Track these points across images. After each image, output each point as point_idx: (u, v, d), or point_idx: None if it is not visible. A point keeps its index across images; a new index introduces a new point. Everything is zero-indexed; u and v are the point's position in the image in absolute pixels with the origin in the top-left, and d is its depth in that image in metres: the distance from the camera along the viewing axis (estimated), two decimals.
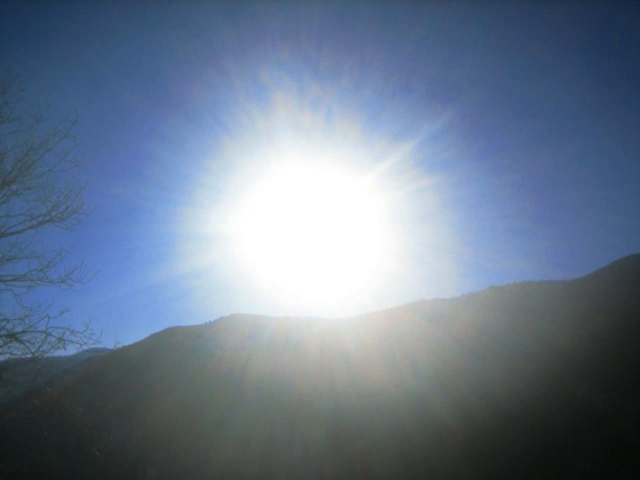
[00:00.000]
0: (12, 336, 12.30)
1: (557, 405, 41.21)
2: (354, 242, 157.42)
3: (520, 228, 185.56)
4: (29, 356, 12.40)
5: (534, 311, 62.35)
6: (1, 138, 12.51)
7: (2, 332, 12.34)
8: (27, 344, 12.34)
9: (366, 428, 51.40)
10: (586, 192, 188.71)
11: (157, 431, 56.23)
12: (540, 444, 38.25)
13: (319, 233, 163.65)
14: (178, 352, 77.31)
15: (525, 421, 41.46)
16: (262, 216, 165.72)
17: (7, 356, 12.48)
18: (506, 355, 53.82)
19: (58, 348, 12.59)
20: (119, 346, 14.11)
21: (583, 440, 36.57)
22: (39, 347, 12.34)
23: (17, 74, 12.51)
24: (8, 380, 12.51)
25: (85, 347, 12.69)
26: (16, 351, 12.41)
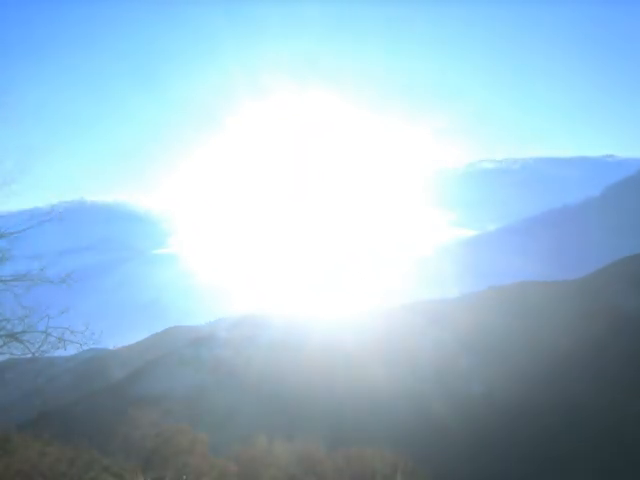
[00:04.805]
0: (12, 336, 12.30)
1: (556, 404, 41.24)
2: (354, 241, 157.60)
3: (521, 226, 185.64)
4: (29, 356, 12.39)
5: (534, 311, 62.37)
6: (1, 139, 12.53)
7: (2, 332, 12.33)
8: (27, 344, 12.33)
9: (366, 428, 51.39)
10: (586, 191, 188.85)
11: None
12: (540, 444, 38.26)
13: (319, 232, 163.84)
14: (178, 352, 77.36)
15: (525, 421, 41.49)
16: (262, 215, 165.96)
17: (7, 356, 12.47)
18: (506, 355, 53.83)
19: (58, 348, 12.58)
20: (119, 346, 14.15)
21: (583, 440, 36.59)
22: (39, 347, 12.33)
23: (16, 75, 12.54)
24: (8, 380, 12.51)
25: (85, 347, 12.69)
26: (16, 351, 12.40)
